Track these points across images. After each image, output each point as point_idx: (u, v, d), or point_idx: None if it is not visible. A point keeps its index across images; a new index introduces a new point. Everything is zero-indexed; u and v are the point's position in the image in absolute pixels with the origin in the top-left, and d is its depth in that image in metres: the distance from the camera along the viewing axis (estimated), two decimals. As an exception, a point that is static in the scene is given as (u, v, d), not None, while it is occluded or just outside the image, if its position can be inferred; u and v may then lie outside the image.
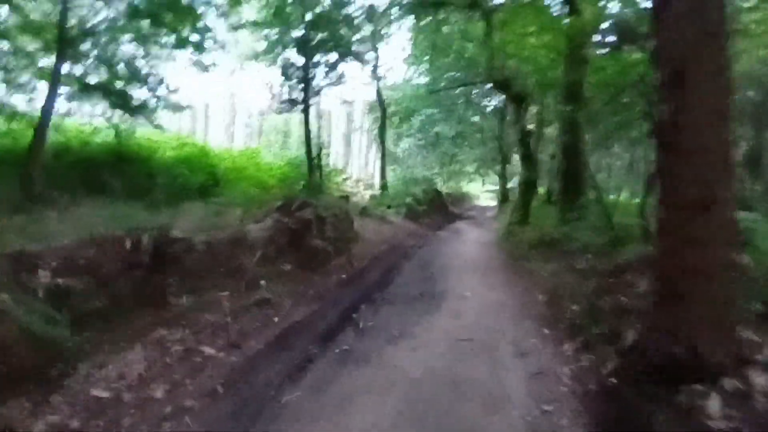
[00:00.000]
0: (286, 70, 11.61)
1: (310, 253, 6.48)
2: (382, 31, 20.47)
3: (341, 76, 16.19)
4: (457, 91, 25.76)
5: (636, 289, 4.48)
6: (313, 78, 12.01)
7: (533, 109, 17.22)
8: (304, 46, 10.82)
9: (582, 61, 8.95)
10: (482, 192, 51.19)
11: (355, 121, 42.65)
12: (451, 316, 5.47)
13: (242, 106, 42.18)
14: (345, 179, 21.28)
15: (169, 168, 12.01)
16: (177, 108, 11.88)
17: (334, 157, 39.99)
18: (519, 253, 9.35)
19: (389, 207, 16.15)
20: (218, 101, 42.37)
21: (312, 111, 13.56)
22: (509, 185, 26.56)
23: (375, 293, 6.25)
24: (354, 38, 18.18)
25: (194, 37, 10.66)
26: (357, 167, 38.54)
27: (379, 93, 18.99)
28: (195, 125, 42.59)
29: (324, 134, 42.25)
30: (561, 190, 9.60)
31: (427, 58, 21.55)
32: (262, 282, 5.17)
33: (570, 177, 9.29)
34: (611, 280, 5.16)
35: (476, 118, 31.87)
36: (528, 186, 12.33)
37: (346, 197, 12.29)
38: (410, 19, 20.58)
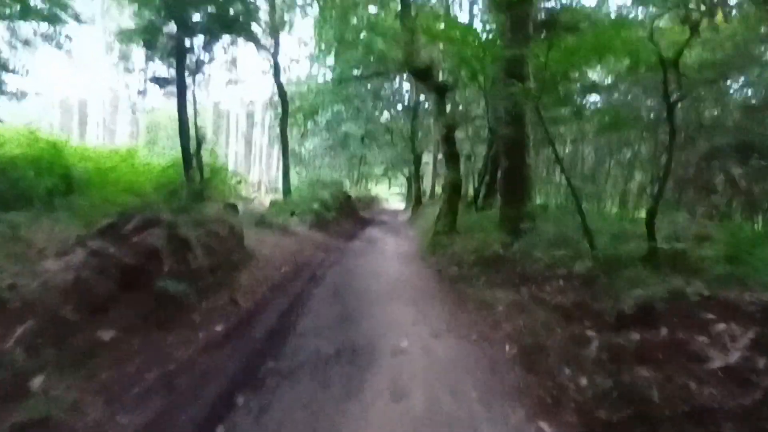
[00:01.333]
0: (151, 39, 8.81)
1: (159, 301, 4.06)
2: (284, 17, 18.07)
3: (233, 62, 13.64)
4: (367, 88, 23.98)
5: (707, 365, 2.67)
6: (190, 52, 9.33)
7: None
8: (174, 6, 8.13)
9: (524, 38, 7.36)
10: (390, 195, 50.26)
11: (257, 123, 39.41)
12: (389, 398, 3.40)
13: (125, 100, 37.16)
14: (239, 182, 18.48)
15: (6, 168, 9.06)
16: (17, 95, 9.01)
17: (234, 160, 36.46)
18: (455, 273, 7.50)
19: (293, 214, 13.79)
20: (97, 95, 37.04)
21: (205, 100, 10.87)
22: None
23: (267, 359, 3.99)
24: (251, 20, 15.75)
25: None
26: (259, 170, 35.36)
27: (279, 85, 16.48)
28: (70, 122, 36.81)
29: (222, 136, 38.58)
30: (504, 192, 7.91)
31: (333, 50, 19.46)
32: (36, 381, 2.72)
33: (512, 178, 7.65)
34: (632, 334, 3.35)
35: (386, 118, 30.43)
36: (454, 189, 10.61)
37: (233, 205, 9.80)
38: (315, 8, 18.46)
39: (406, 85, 26.75)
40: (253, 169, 36.02)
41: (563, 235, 5.88)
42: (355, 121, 25.93)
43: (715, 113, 11.71)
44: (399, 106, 27.51)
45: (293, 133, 24.77)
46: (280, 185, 22.10)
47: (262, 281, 6.86)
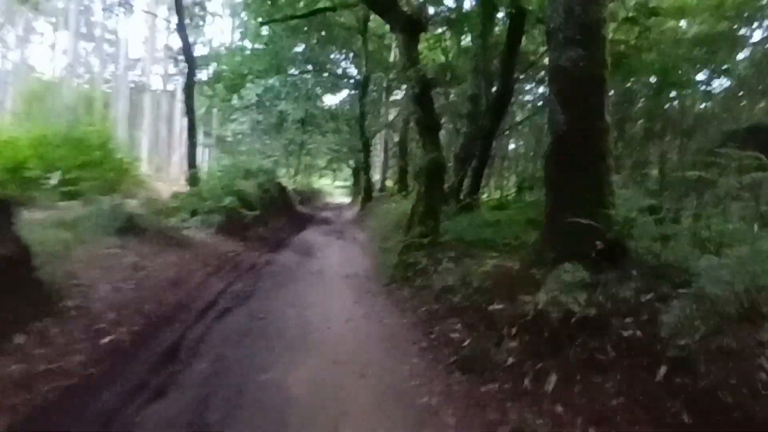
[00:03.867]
0: None
1: None
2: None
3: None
4: (304, 57, 19.91)
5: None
6: None
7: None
8: None
9: None
10: (335, 188, 46.20)
11: (179, 101, 34.14)
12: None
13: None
14: (126, 167, 14.10)
15: None
16: None
17: (153, 144, 31.13)
18: (469, 344, 3.79)
19: (194, 214, 9.67)
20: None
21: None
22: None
23: None
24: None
25: None
26: (180, 156, 30.30)
27: (183, 36, 12.08)
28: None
29: (141, 117, 32.91)
30: (557, 183, 4.11)
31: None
32: None
33: (578, 155, 3.94)
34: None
35: (328, 100, 26.55)
36: (434, 175, 6.85)
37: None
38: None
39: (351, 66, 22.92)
40: (173, 155, 30.88)
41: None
42: (293, 101, 21.77)
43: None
44: (345, 84, 23.55)
45: (216, 113, 20.34)
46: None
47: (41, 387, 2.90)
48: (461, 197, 9.26)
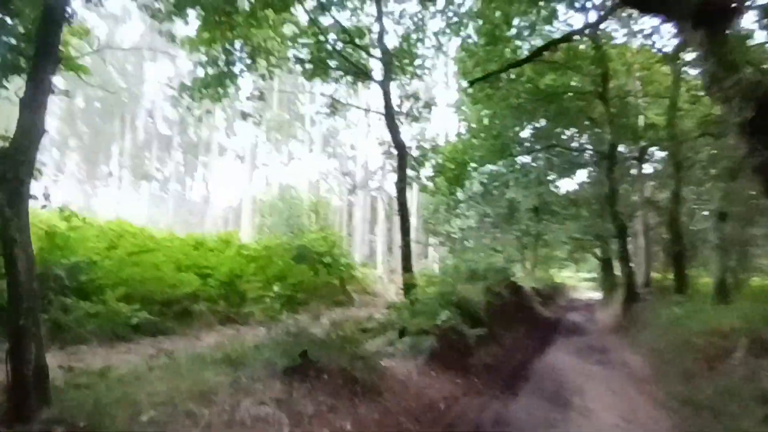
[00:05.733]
0: None
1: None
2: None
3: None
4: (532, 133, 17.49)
5: None
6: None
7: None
8: None
9: None
10: (579, 281, 40.50)
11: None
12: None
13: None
14: (350, 271, 13.20)
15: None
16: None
17: (379, 248, 32.05)
18: None
19: (402, 334, 7.53)
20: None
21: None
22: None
23: None
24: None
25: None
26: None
27: (392, 126, 10.98)
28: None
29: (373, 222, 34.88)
30: None
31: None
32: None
33: None
34: None
35: (564, 185, 23.26)
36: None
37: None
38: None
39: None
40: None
41: None
42: (523, 187, 19.30)
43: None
44: (583, 161, 20.05)
45: (438, 210, 19.12)
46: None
47: None
48: None
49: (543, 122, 17.82)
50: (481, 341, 8.22)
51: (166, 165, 47.16)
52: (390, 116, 10.92)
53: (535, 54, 10.97)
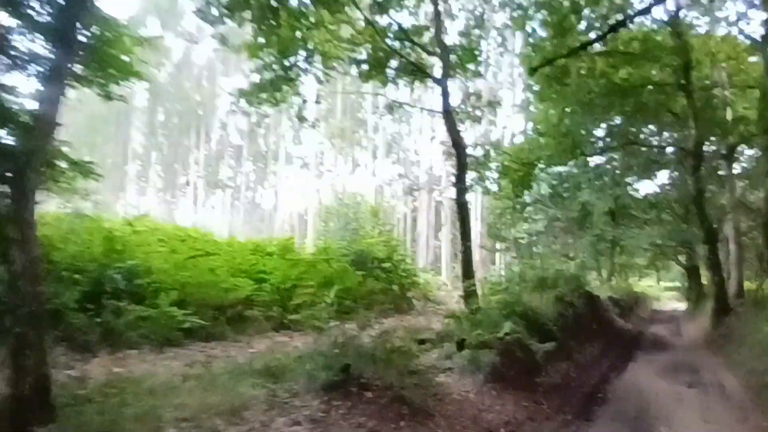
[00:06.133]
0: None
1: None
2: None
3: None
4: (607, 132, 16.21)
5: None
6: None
7: None
8: None
9: None
10: (661, 291, 37.49)
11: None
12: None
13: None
14: (412, 278, 12.73)
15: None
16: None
17: (444, 254, 31.24)
18: None
19: (462, 346, 6.90)
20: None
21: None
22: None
23: None
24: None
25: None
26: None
27: (451, 124, 10.34)
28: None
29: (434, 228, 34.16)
30: None
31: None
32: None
33: None
34: None
35: (644, 188, 21.49)
36: None
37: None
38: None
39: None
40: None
41: None
42: (600, 192, 17.91)
43: None
44: (665, 159, 18.30)
45: (504, 214, 18.17)
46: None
47: None
48: None
49: (618, 120, 16.46)
50: (550, 357, 7.41)
51: (238, 174, 48.96)
52: (448, 114, 10.32)
53: (605, 35, 10.03)
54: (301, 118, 12.15)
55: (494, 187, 14.86)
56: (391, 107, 11.58)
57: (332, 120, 36.51)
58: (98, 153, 52.66)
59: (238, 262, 10.67)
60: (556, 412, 5.67)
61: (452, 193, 34.21)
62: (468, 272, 9.60)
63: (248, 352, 7.09)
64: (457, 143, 10.22)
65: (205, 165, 46.43)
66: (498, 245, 21.78)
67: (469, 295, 8.92)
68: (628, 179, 20.44)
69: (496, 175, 14.08)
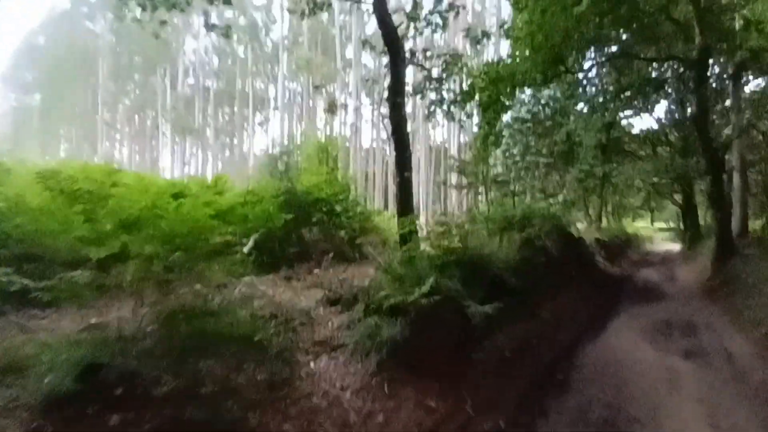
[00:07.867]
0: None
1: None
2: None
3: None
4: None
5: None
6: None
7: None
8: None
9: None
10: (655, 231, 35.65)
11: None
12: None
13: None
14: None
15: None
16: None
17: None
18: None
19: (367, 311, 4.83)
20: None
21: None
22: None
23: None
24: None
25: None
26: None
27: (383, 16, 7.64)
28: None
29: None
30: None
31: None
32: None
33: None
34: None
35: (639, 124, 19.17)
36: None
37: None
38: None
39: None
40: (449, 203, 28.22)
41: None
42: (585, 121, 15.50)
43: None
44: (665, 81, 15.77)
45: (478, 144, 15.79)
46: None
47: None
48: None
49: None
50: (501, 320, 5.35)
51: (208, 118, 45.86)
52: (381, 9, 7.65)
53: None
54: (210, 26, 9.61)
55: (461, 114, 12.44)
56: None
57: (299, 50, 33.23)
58: (67, 101, 49.33)
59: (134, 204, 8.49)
60: (483, 413, 3.68)
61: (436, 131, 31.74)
62: (405, 209, 7.41)
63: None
64: (389, 38, 7.58)
65: (171, 109, 43.28)
66: (466, 182, 19.33)
67: (404, 237, 6.78)
68: (621, 114, 18.10)
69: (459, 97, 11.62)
